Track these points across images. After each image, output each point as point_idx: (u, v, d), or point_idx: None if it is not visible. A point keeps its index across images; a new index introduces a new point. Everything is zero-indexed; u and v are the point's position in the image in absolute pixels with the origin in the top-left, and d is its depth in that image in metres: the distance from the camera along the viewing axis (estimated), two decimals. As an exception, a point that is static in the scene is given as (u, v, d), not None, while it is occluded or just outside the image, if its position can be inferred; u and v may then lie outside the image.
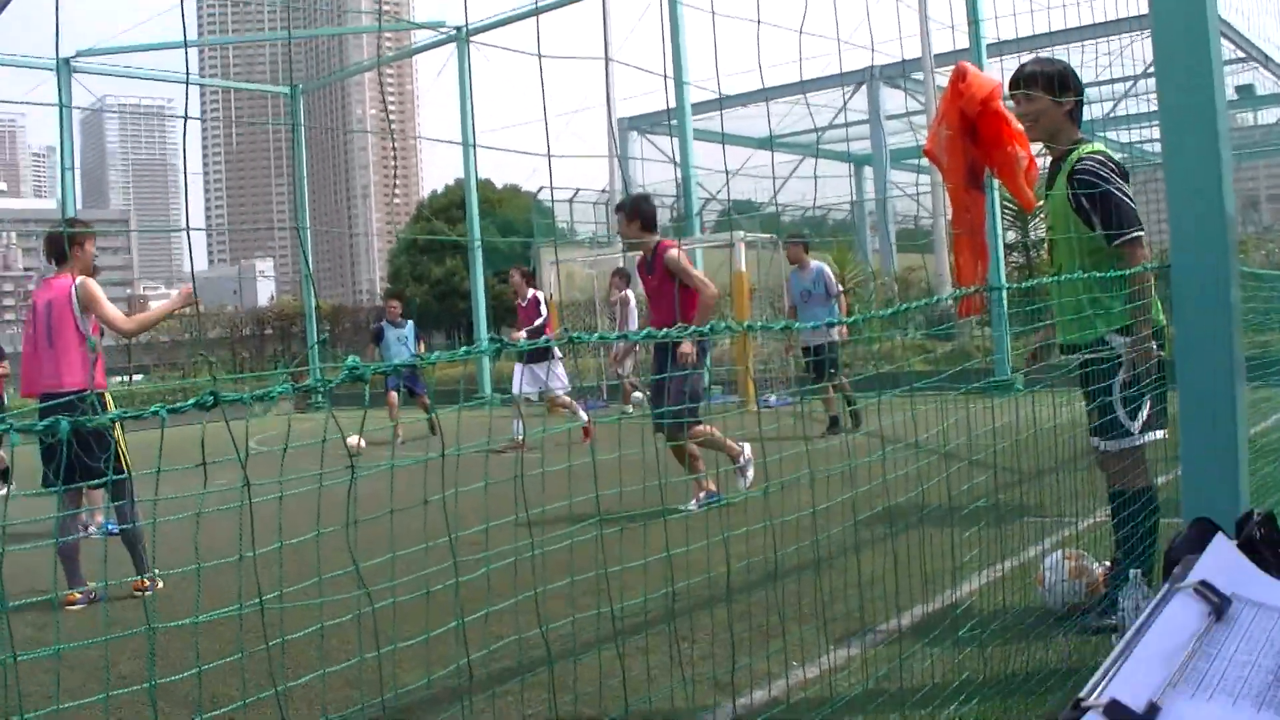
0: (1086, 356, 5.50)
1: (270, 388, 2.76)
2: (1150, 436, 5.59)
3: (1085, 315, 5.51)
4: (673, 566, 4.06)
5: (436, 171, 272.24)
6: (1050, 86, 5.58)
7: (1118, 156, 5.50)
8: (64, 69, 31.31)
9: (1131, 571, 5.26)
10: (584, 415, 16.85)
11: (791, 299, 17.76)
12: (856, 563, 4.81)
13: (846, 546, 5.53)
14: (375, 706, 4.77)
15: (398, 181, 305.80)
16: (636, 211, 10.90)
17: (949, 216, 5.34)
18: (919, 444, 5.04)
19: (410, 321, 21.21)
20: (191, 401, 2.74)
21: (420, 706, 5.07)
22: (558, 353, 17.99)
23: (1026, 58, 5.78)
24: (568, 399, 17.90)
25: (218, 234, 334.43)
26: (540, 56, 3.79)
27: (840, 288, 17.60)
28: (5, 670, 2.46)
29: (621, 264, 25.12)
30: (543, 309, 17.98)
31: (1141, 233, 5.49)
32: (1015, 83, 5.66)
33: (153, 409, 2.67)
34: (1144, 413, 5.54)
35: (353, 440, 13.08)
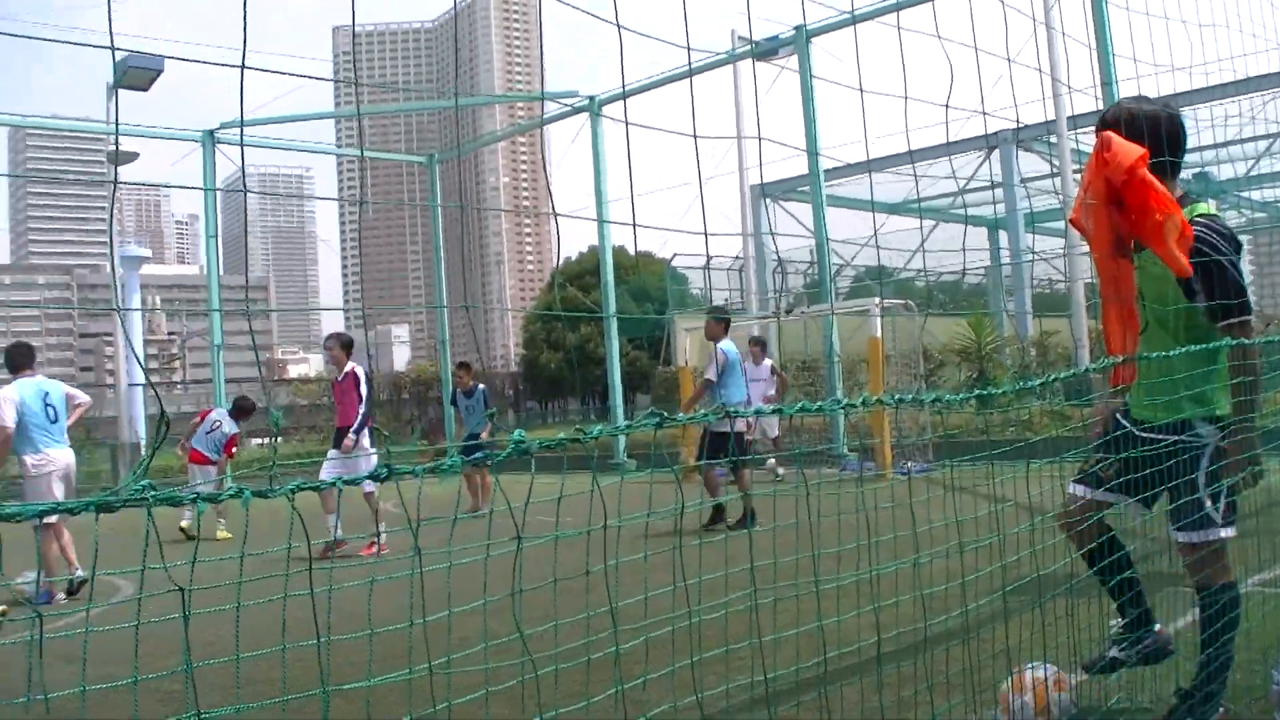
0: (1159, 437, 5.26)
1: (443, 461, 2.84)
2: (1229, 532, 5.20)
3: (1178, 396, 5.19)
4: (824, 635, 4.09)
5: (571, 238, 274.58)
6: (1139, 133, 5.23)
7: (1233, 220, 5.32)
8: (208, 141, 32.22)
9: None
10: (383, 529, 14.30)
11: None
12: (1005, 632, 4.80)
13: (995, 616, 5.50)
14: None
15: (531, 249, 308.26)
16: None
17: (1090, 282, 5.31)
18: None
19: (480, 387, 21.89)
20: (364, 475, 2.84)
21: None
22: (366, 443, 15.21)
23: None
24: (378, 502, 14.45)
25: (354, 301, 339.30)
26: (694, 136, 3.87)
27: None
28: None
29: (757, 332, 25.12)
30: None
31: (1251, 317, 5.13)
32: (1107, 124, 5.36)
33: (332, 480, 2.77)
34: (1222, 504, 5.16)
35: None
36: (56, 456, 13.17)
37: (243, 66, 2.89)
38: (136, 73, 31.89)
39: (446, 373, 39.45)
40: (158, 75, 32.59)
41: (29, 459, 13.03)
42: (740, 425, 16.11)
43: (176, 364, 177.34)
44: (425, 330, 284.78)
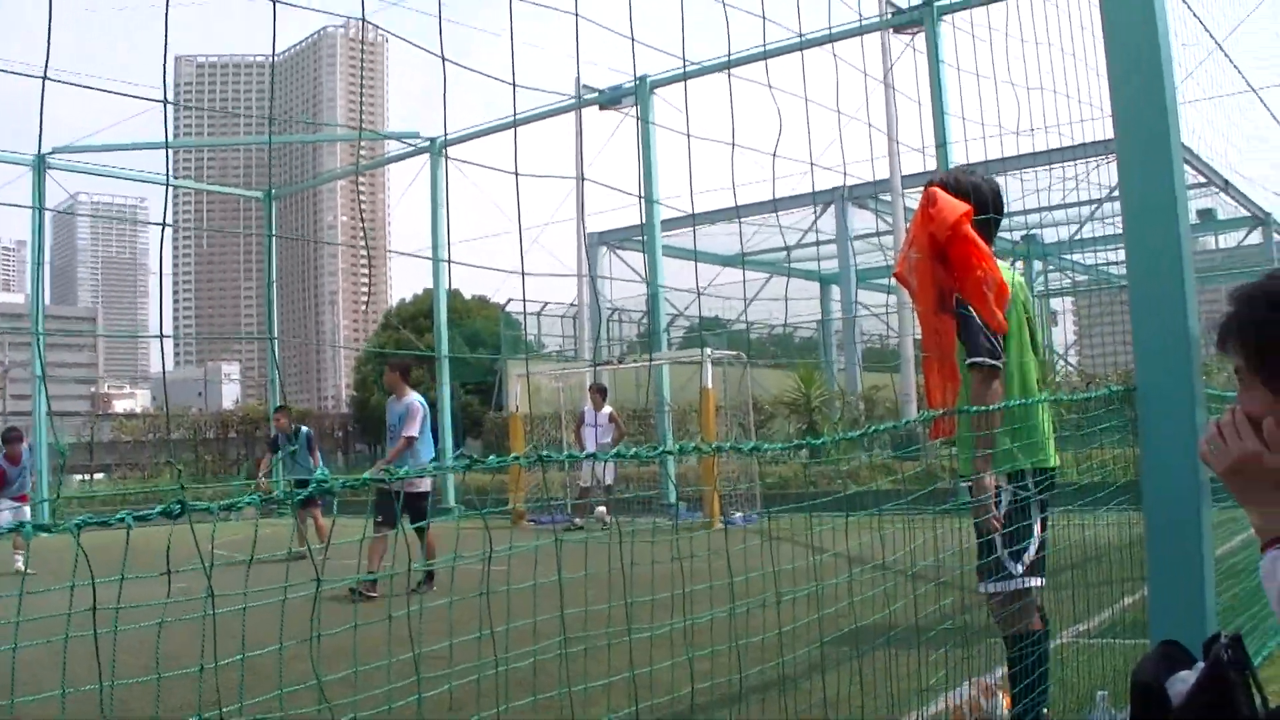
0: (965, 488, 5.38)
1: (237, 498, 2.76)
2: (1033, 582, 5.31)
3: (972, 454, 5.27)
4: (636, 685, 4.04)
5: (406, 279, 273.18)
6: (962, 196, 5.41)
7: (1057, 282, 5.41)
8: (39, 165, 31.34)
9: (1099, 693, 5.23)
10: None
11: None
12: (823, 683, 4.79)
13: (812, 667, 5.50)
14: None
15: (366, 289, 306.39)
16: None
17: (917, 338, 5.35)
18: (885, 565, 5.04)
19: (304, 429, 20.92)
20: (158, 509, 2.74)
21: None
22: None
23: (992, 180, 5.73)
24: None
25: (184, 336, 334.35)
26: (516, 174, 3.82)
27: (411, 432, 14.55)
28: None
29: (597, 379, 25.14)
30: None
31: (989, 361, 5.24)
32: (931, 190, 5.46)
33: (119, 515, 2.66)
34: (1029, 555, 5.29)
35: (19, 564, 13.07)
36: None
37: (45, 77, 2.78)
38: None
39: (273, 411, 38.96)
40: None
41: None
42: (426, 485, 15.01)
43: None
44: (256, 369, 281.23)
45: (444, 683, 3.73)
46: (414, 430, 14.37)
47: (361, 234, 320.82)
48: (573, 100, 29.49)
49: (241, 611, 3.20)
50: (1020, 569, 5.25)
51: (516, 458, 3.35)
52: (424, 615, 3.49)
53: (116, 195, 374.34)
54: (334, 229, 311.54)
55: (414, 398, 14.79)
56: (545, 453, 3.44)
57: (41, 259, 31.61)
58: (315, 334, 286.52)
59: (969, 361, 5.23)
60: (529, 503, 25.59)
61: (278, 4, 3.14)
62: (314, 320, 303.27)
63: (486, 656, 3.68)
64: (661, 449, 3.92)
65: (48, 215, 34.61)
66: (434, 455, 15.48)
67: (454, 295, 47.84)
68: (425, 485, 14.76)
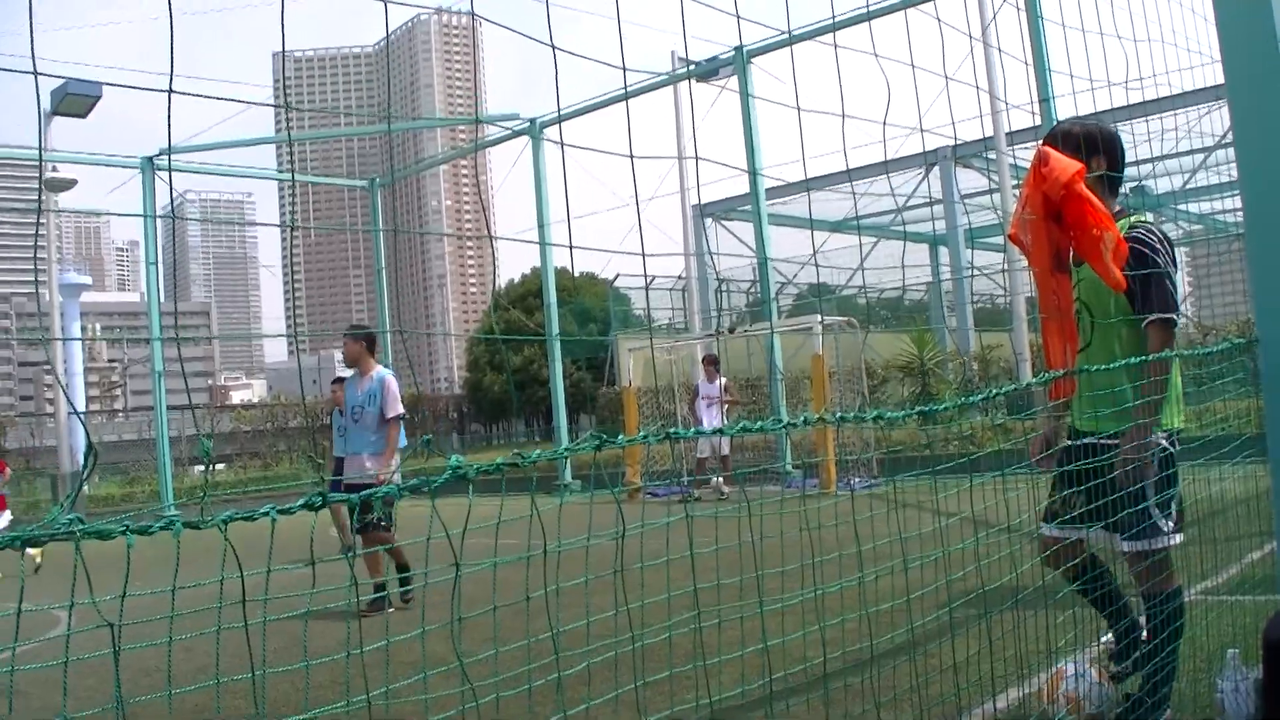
0: (1111, 443, 5.24)
1: (378, 488, 2.82)
2: (1176, 539, 5.25)
3: (1124, 407, 5.17)
4: (769, 655, 4.08)
5: (514, 259, 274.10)
6: (1077, 149, 5.35)
7: (1171, 232, 5.35)
8: (147, 167, 31.92)
9: (1229, 651, 5.18)
10: None
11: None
12: (951, 648, 4.80)
13: (941, 631, 5.50)
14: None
15: (474, 271, 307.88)
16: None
17: (1029, 296, 5.32)
18: (1012, 528, 5.02)
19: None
20: (300, 503, 2.81)
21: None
22: None
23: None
24: None
25: (297, 325, 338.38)
26: (630, 157, 3.86)
27: (398, 411, 12.70)
28: None
29: (714, 350, 25.18)
30: None
31: (1175, 318, 5.17)
32: (1047, 143, 5.41)
33: (264, 510, 2.73)
34: (1173, 513, 5.22)
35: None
36: None
37: (170, 90, 2.87)
38: (75, 99, 31.69)
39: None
40: (96, 101, 32.40)
41: None
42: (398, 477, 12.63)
43: (117, 391, 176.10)
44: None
45: (581, 660, 3.79)
46: (400, 407, 12.61)
47: (466, 217, 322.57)
48: (669, 75, 29.47)
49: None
50: (1169, 526, 5.19)
51: (645, 436, 3.39)
52: (560, 594, 3.53)
53: (224, 191, 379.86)
54: (439, 214, 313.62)
55: (383, 371, 12.84)
56: (672, 430, 3.48)
57: (156, 258, 31.98)
58: (425, 317, 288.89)
59: (1155, 317, 5.13)
60: (645, 475, 25.74)
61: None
62: (423, 303, 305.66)
63: (620, 632, 3.72)
64: (785, 422, 3.95)
65: (158, 214, 35.21)
66: (403, 437, 13.24)
67: (562, 272, 47.92)
68: (396, 476, 12.42)
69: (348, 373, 13.40)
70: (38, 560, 19.26)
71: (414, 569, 10.78)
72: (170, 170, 31.05)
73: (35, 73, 2.85)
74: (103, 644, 2.56)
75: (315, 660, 3.36)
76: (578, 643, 4.08)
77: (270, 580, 2.82)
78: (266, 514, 2.60)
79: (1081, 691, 5.22)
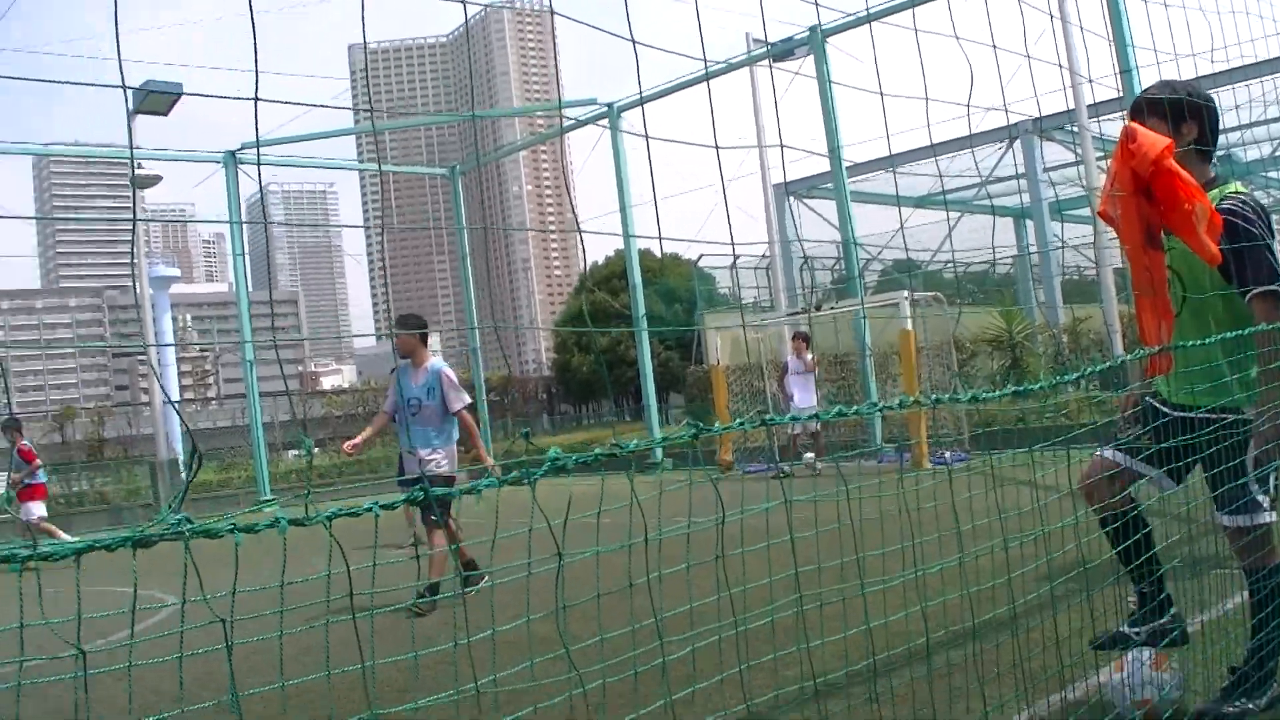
0: (1212, 417, 5.16)
1: (476, 484, 2.89)
2: (1273, 516, 5.13)
3: (1221, 381, 5.12)
4: (872, 633, 4.13)
5: (597, 242, 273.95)
6: (1165, 118, 5.27)
7: (1265, 199, 5.23)
8: (230, 161, 32.57)
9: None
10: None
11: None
12: (1054, 622, 4.82)
13: (1043, 606, 5.51)
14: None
15: (558, 254, 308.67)
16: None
17: (1117, 268, 5.31)
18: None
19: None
20: (404, 498, 2.90)
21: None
22: None
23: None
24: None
25: (383, 312, 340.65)
26: (715, 147, 3.93)
27: (464, 401, 12.21)
28: None
29: (804, 327, 25.18)
30: None
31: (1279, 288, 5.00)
32: (1134, 112, 5.41)
33: (367, 506, 2.83)
34: (1271, 488, 5.11)
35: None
36: None
37: (256, 99, 2.97)
38: (156, 97, 32.15)
39: (480, 379, 39.70)
40: (177, 99, 32.87)
41: None
42: (450, 468, 12.23)
43: (210, 379, 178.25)
44: (456, 339, 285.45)
45: (686, 646, 3.86)
46: (465, 395, 12.12)
47: (547, 201, 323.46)
48: (746, 56, 29.42)
49: (491, 588, 3.35)
50: (1267, 501, 5.10)
51: (742, 423, 3.45)
52: (662, 581, 3.60)
53: (306, 182, 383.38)
54: (520, 199, 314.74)
55: (438, 362, 12.40)
56: (769, 416, 3.55)
57: (242, 249, 32.47)
58: (510, 300, 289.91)
59: (1261, 290, 5.01)
60: (737, 453, 25.88)
61: None
62: (508, 287, 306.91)
63: (723, 615, 3.79)
64: (881, 405, 4.00)
65: (243, 206, 35.84)
66: (456, 430, 12.32)
67: (646, 254, 48.00)
68: (451, 467, 12.14)
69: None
70: None
71: (489, 563, 10.59)
72: (260, 163, 31.42)
73: (123, 85, 2.96)
74: (214, 637, 2.65)
75: (424, 651, 3.46)
76: (681, 626, 4.15)
77: (371, 572, 2.90)
78: (370, 509, 2.70)
79: (1137, 679, 5.15)
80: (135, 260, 33.57)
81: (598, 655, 3.92)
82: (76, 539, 2.56)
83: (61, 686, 5.12)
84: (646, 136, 4.34)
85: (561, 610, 3.21)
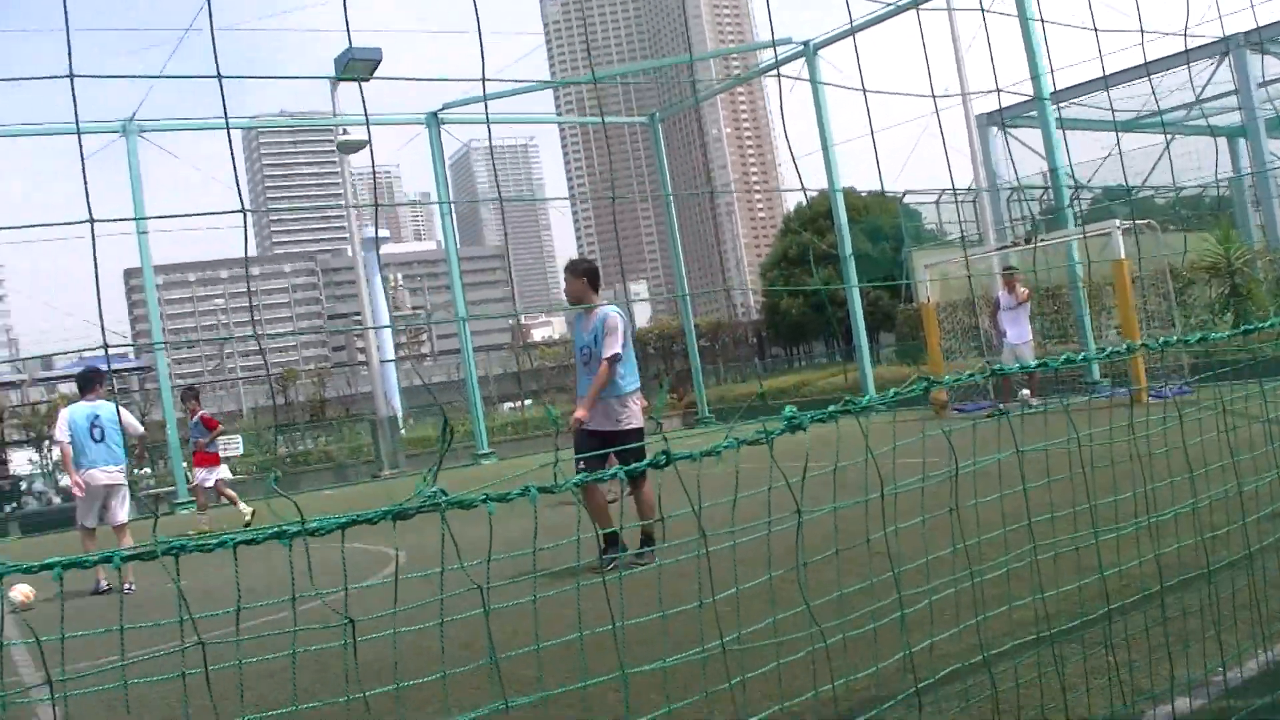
0: None
1: (714, 445, 2.97)
2: None
3: None
4: (1105, 580, 4.12)
5: (799, 183, 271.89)
6: None
7: None
8: (432, 122, 33.38)
9: None
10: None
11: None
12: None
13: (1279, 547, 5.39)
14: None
15: (761, 197, 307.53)
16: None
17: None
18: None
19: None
20: (644, 463, 2.99)
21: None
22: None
23: None
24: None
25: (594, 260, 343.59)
26: (932, 97, 3.94)
27: (614, 350, 11.32)
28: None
29: (1013, 262, 24.86)
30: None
31: None
32: None
33: (612, 471, 2.92)
34: None
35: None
36: (95, 473, 14.72)
37: (484, 87, 3.06)
38: (357, 64, 33.07)
39: (689, 325, 39.87)
40: (377, 64, 33.76)
41: (76, 475, 14.74)
42: (638, 421, 11.56)
43: (423, 337, 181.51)
44: (664, 285, 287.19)
45: (923, 598, 3.90)
46: (617, 346, 11.28)
47: (746, 142, 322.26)
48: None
49: (732, 552, 3.41)
50: None
51: (971, 375, 3.48)
52: (899, 534, 3.65)
53: (507, 137, 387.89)
54: (719, 142, 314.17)
55: (609, 308, 11.66)
56: (998, 365, 3.57)
57: (449, 208, 33.29)
58: (715, 245, 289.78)
59: None
60: (952, 392, 25.68)
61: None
62: (712, 231, 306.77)
63: (957, 567, 3.82)
64: (1107, 351, 3.99)
65: (446, 166, 36.67)
66: (637, 378, 11.70)
67: (849, 192, 47.56)
68: (634, 420, 11.47)
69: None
70: (248, 518, 21.09)
71: (730, 522, 10.55)
72: (499, 130, 31.98)
73: (350, 54, 3.06)
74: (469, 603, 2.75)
75: (671, 610, 3.53)
76: (917, 579, 4.18)
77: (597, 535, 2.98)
78: (615, 474, 2.78)
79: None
80: (354, 225, 34.40)
81: (834, 612, 3.98)
82: (342, 516, 2.69)
83: (331, 653, 5.33)
84: (861, 81, 4.36)
85: (802, 567, 3.27)
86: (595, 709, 5.01)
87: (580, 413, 11.35)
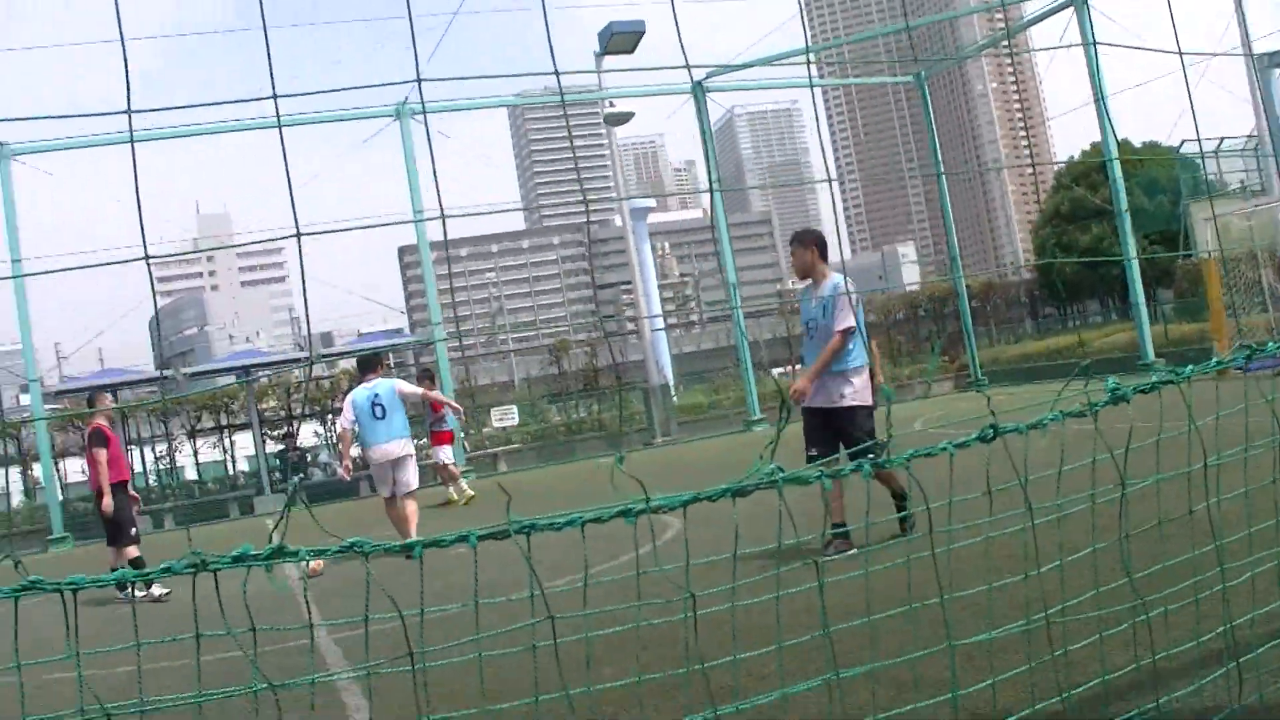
0: None
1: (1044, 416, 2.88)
2: None
3: None
4: None
5: (1069, 137, 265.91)
6: None
7: None
8: (698, 91, 33.73)
9: None
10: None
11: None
12: None
13: None
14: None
15: (1031, 151, 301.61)
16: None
17: None
18: None
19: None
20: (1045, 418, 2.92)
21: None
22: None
23: None
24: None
25: (857, 224, 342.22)
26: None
27: (847, 323, 10.73)
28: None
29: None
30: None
31: None
32: None
33: (942, 445, 2.87)
34: None
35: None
36: (378, 450, 15.66)
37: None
38: (620, 37, 33.56)
39: (961, 286, 39.35)
40: (640, 36, 34.16)
41: (364, 452, 15.96)
42: (863, 399, 10.82)
43: (691, 304, 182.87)
44: (931, 246, 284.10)
45: (1247, 571, 3.76)
46: (850, 319, 10.61)
47: (1013, 98, 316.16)
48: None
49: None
50: None
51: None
52: (1221, 505, 3.51)
53: (769, 103, 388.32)
54: (985, 97, 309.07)
55: (837, 278, 11.02)
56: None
57: (715, 175, 33.53)
58: (983, 204, 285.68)
59: None
60: (1234, 352, 24.75)
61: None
62: (980, 190, 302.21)
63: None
64: None
65: (712, 134, 37.07)
66: (865, 354, 10.95)
67: (1123, 145, 46.36)
68: (859, 398, 10.78)
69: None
70: (468, 495, 22.18)
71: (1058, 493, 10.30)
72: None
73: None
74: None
75: (999, 582, 3.47)
76: (1239, 554, 4.02)
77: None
78: (944, 449, 2.72)
79: None
80: (622, 195, 34.78)
81: (1156, 584, 3.86)
82: (685, 494, 2.69)
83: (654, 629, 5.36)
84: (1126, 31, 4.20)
85: (1124, 539, 3.17)
86: (925, 676, 4.96)
87: (802, 383, 10.84)
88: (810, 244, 11.20)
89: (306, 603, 3.35)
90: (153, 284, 3.32)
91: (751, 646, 5.98)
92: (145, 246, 3.14)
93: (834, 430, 10.71)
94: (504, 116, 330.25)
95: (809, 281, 11.28)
